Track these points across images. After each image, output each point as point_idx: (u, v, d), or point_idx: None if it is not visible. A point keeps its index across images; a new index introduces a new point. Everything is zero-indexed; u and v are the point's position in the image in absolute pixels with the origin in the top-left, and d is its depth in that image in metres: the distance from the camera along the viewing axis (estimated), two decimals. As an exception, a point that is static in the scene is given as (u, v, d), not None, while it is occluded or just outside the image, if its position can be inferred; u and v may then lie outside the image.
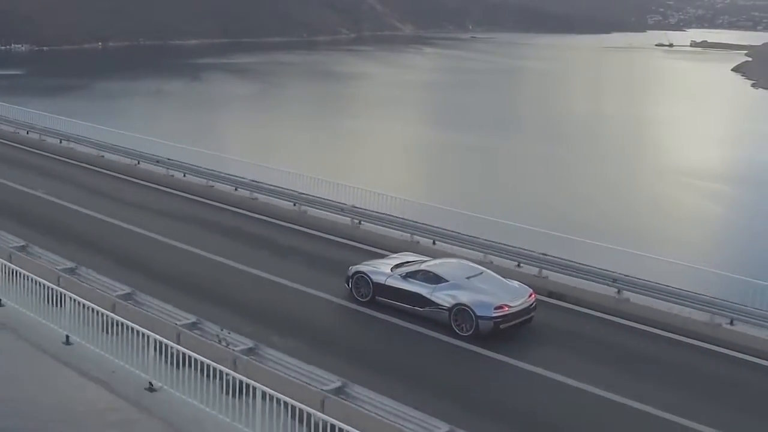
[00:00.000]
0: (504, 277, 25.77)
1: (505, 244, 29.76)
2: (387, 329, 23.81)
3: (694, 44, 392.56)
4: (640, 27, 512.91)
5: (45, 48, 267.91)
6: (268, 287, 26.86)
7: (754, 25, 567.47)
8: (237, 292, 26.72)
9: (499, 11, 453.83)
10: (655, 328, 24.30)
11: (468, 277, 24.38)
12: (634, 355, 22.22)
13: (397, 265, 26.21)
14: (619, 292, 26.61)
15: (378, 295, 25.44)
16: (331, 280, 27.64)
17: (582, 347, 22.74)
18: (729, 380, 21.40)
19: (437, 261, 26.38)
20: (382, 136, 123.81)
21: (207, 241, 31.70)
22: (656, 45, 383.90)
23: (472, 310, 22.99)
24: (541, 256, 28.82)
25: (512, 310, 23.38)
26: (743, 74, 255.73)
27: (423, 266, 25.43)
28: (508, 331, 22.86)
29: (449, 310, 23.50)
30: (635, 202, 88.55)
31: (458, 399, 19.10)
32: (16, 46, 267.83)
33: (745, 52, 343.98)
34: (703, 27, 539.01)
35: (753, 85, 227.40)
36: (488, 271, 25.71)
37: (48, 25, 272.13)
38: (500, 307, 23.18)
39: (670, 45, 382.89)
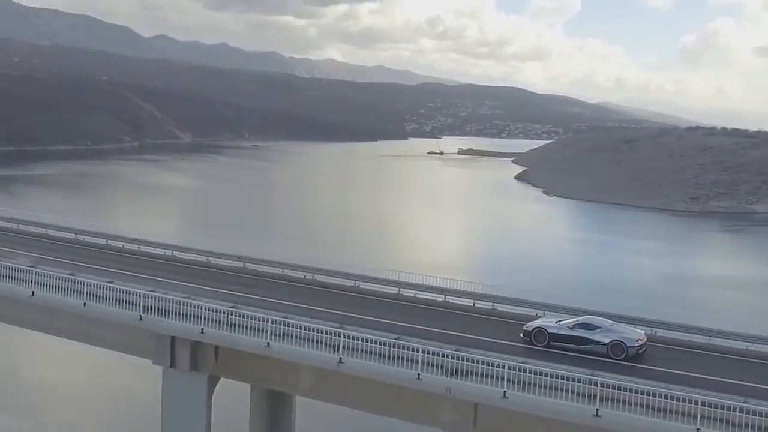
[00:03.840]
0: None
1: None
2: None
3: (461, 152, 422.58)
4: (401, 135, 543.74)
5: None
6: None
7: (498, 132, 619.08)
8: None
9: (273, 120, 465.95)
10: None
11: (610, 325, 36.65)
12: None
13: (557, 322, 37.40)
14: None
15: (552, 341, 36.38)
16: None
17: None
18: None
19: (585, 317, 37.85)
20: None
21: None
22: (428, 153, 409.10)
23: (624, 343, 35.37)
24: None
25: (643, 342, 35.99)
26: (529, 182, 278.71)
27: (580, 320, 37.07)
28: (640, 356, 35.33)
29: (607, 345, 35.45)
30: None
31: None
32: None
33: (512, 159, 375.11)
34: (454, 134, 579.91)
35: (545, 192, 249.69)
36: (613, 322, 37.47)
37: None
38: (638, 341, 35.80)
39: (441, 153, 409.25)
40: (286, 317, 35.14)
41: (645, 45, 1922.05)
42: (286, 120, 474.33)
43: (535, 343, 36.59)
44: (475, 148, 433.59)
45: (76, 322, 41.27)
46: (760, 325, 39.47)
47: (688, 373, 32.77)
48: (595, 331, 36.08)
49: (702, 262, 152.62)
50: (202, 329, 35.96)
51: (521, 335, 37.23)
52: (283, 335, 34.37)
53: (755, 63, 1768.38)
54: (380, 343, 32.64)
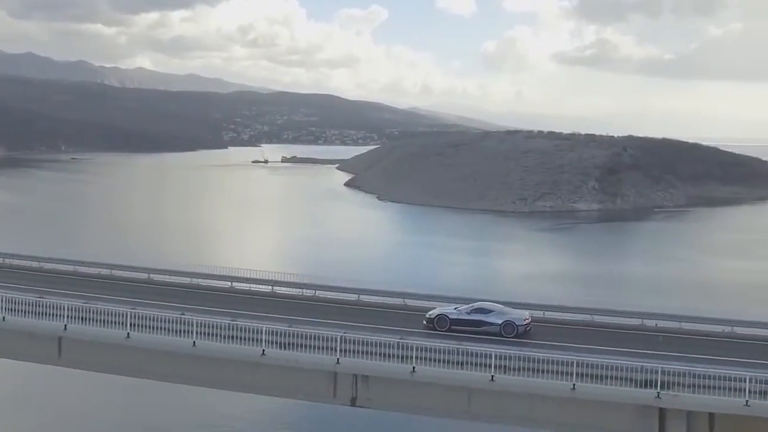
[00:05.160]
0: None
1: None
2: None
3: (285, 159, 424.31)
4: (220, 144, 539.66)
5: None
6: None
7: (315, 140, 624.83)
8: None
9: (89, 132, 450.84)
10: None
11: (501, 309, 42.53)
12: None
13: (455, 308, 43.06)
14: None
15: (453, 325, 41.89)
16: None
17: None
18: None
19: (477, 303, 43.22)
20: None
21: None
22: (253, 162, 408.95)
23: (514, 323, 41.54)
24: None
25: (529, 322, 42.26)
26: (360, 188, 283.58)
27: (475, 306, 42.74)
28: (527, 333, 41.83)
29: (500, 325, 41.38)
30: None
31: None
32: None
33: (336, 165, 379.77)
34: (272, 142, 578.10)
35: (378, 198, 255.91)
36: (501, 305, 43.42)
37: None
38: (525, 320, 42.16)
39: (266, 161, 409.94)
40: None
41: (450, 51, 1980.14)
42: (103, 131, 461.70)
43: (438, 328, 41.93)
44: (298, 156, 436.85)
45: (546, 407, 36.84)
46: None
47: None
48: (489, 314, 41.97)
49: (522, 260, 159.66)
50: (747, 401, 32.83)
51: (424, 322, 42.58)
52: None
53: (550, 69, 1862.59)
54: None
